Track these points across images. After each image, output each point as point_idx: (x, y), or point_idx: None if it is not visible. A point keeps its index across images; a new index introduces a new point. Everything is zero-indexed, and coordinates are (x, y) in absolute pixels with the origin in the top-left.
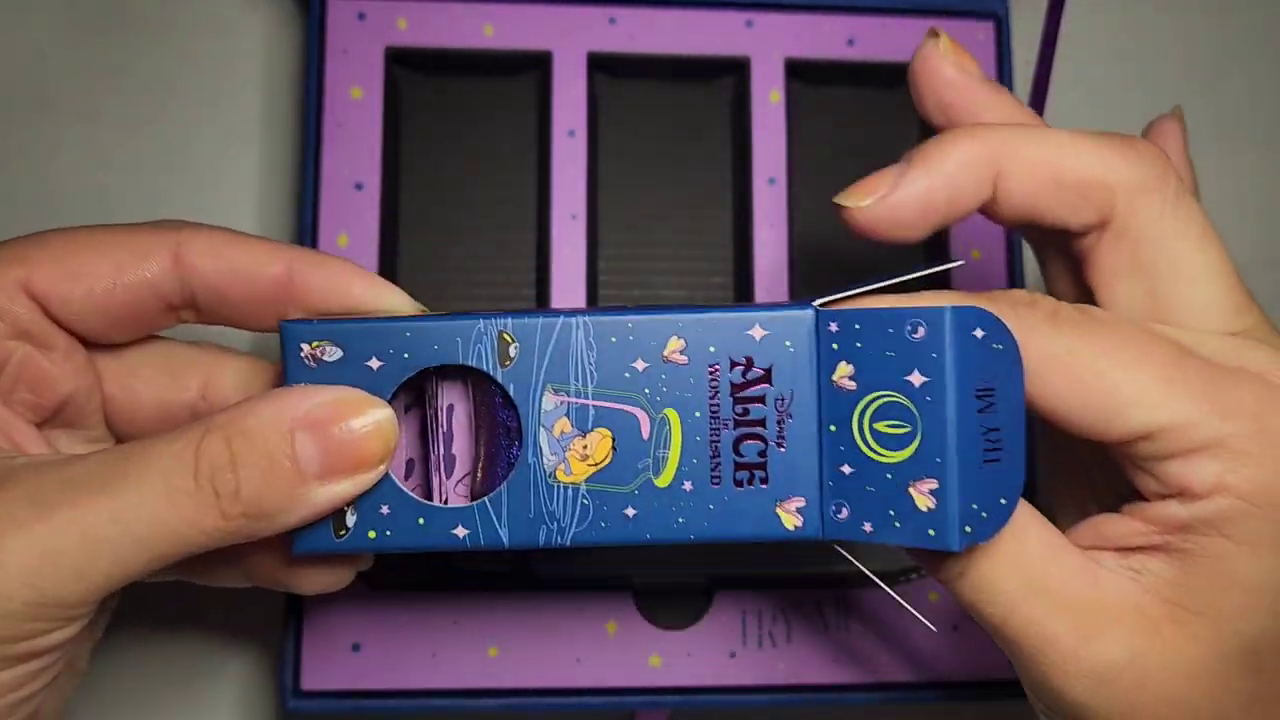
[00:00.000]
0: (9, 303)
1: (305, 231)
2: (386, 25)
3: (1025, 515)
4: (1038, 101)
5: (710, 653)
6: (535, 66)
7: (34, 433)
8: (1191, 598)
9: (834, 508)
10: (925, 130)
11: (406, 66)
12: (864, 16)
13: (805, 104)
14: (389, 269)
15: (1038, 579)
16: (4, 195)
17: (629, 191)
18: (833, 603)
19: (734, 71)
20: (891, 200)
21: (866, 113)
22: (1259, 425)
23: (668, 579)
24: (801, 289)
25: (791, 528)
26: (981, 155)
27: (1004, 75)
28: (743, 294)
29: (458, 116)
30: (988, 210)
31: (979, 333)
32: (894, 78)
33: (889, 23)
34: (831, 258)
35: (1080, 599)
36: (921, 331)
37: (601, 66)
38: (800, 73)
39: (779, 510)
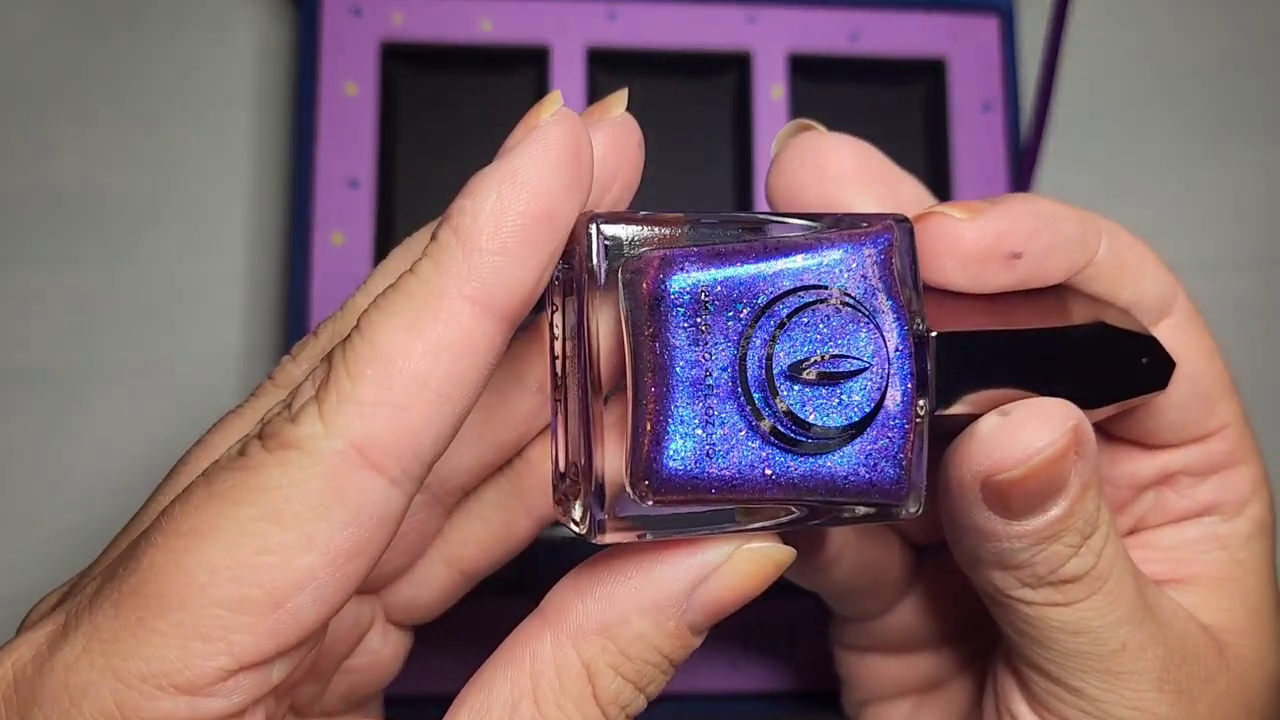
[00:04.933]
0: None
1: (299, 229)
2: (382, 20)
3: None
4: (1044, 97)
5: (712, 660)
6: (533, 62)
7: None
8: None
9: None
10: (932, 129)
11: (402, 62)
12: (867, 11)
13: (808, 100)
14: None
15: None
16: None
17: None
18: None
19: (736, 67)
20: (988, 225)
21: (870, 109)
22: None
23: None
24: None
25: None
26: (1090, 220)
27: (1010, 71)
28: None
29: (454, 113)
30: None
31: None
32: (898, 73)
33: (893, 17)
34: None
35: None
36: None
37: (601, 61)
38: (803, 68)
39: None
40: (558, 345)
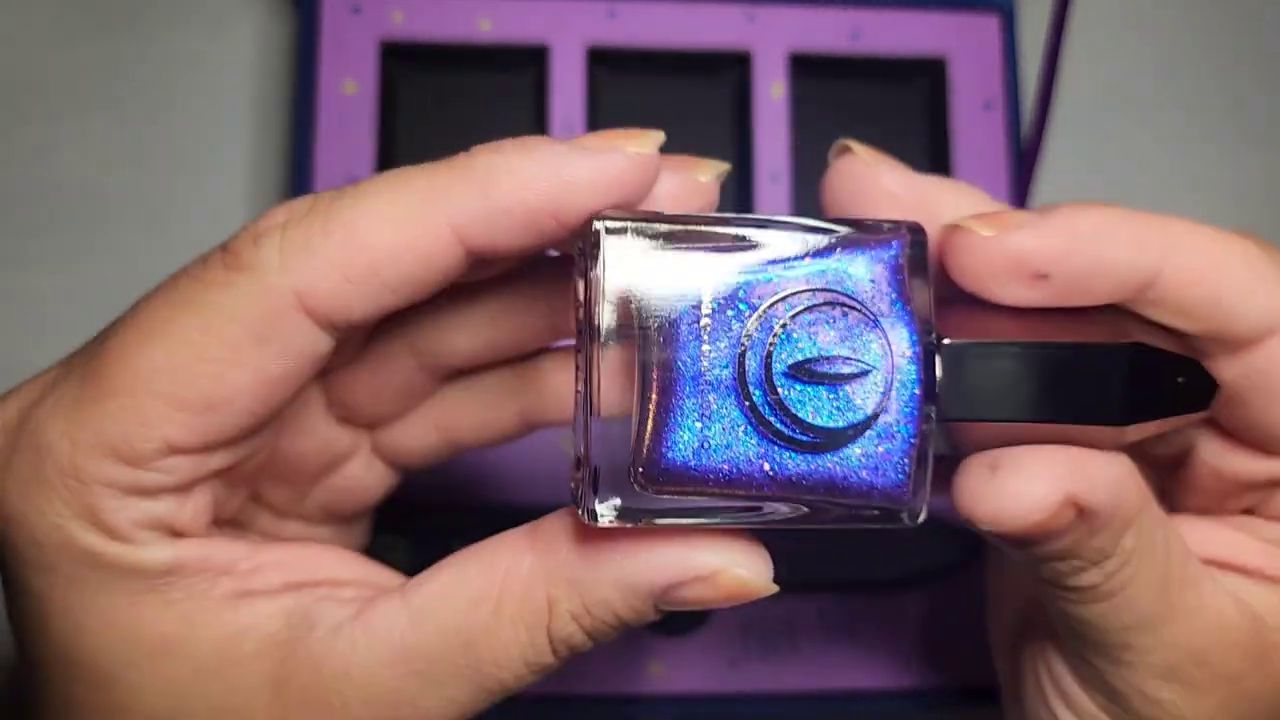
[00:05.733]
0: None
1: None
2: (381, 18)
3: None
4: (1045, 96)
5: (711, 661)
6: (533, 60)
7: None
8: None
9: None
10: (933, 127)
11: (401, 60)
12: (868, 9)
13: (808, 98)
14: None
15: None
16: None
17: None
18: (835, 611)
19: (736, 65)
20: (1011, 243)
21: (871, 107)
22: None
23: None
24: None
25: None
26: (1151, 239)
27: (1011, 70)
28: None
29: (454, 111)
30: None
31: None
32: (899, 72)
33: (894, 16)
34: None
35: None
36: None
37: (600, 60)
38: (803, 67)
39: None
40: (580, 317)
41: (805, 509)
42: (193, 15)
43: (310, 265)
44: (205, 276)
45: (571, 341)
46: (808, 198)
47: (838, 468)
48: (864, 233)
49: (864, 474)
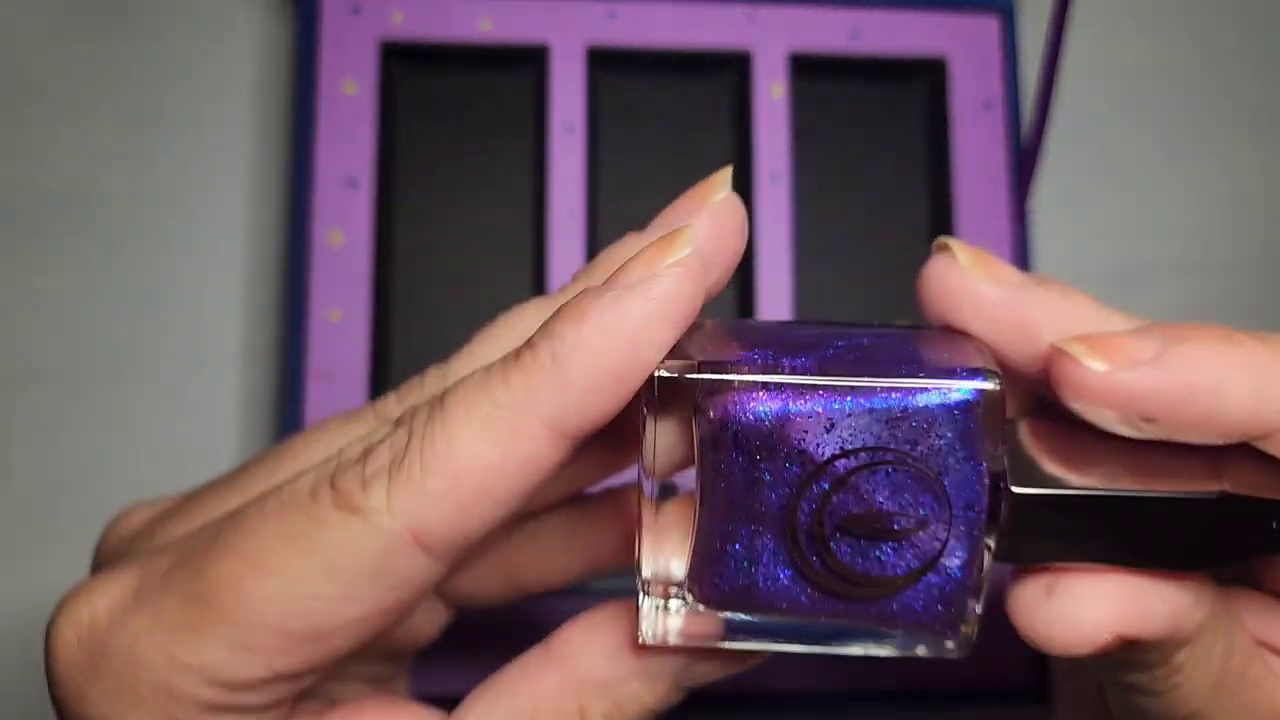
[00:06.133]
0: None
1: (298, 229)
2: (381, 18)
3: None
4: (1045, 96)
5: None
6: (533, 60)
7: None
8: None
9: None
10: (933, 127)
11: (401, 60)
12: (868, 10)
13: (808, 99)
14: (383, 267)
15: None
16: None
17: (628, 188)
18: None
19: (735, 66)
20: (1121, 384)
21: (871, 108)
22: None
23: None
24: (804, 287)
25: None
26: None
27: (1011, 70)
28: (744, 291)
29: (454, 112)
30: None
31: None
32: (898, 72)
33: (894, 16)
34: (835, 257)
35: None
36: None
37: (600, 60)
38: (803, 67)
39: None
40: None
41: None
42: (192, 15)
43: (421, 504)
44: (316, 514)
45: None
46: (808, 198)
47: (887, 609)
48: (938, 376)
49: (917, 608)
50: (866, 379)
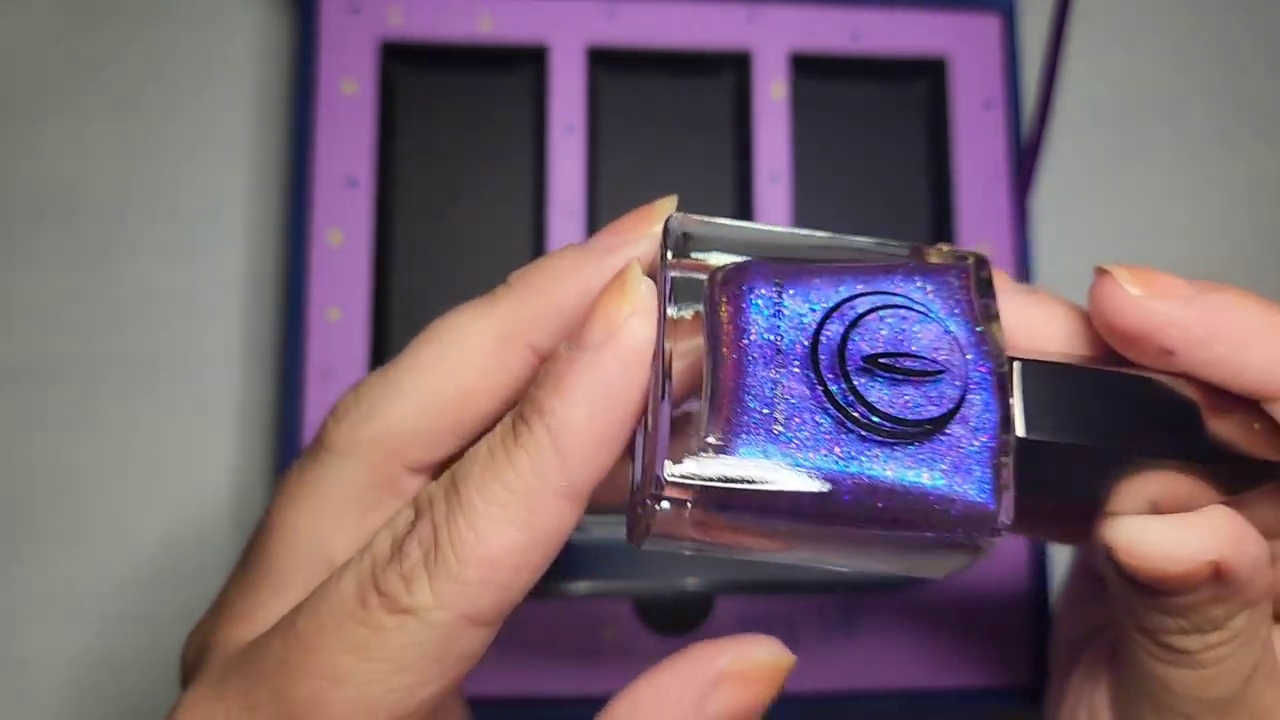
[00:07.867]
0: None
1: (297, 229)
2: (380, 18)
3: None
4: (1045, 96)
5: None
6: (533, 60)
7: None
8: None
9: None
10: (933, 128)
11: (401, 60)
12: (868, 10)
13: (809, 99)
14: (382, 267)
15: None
16: None
17: (628, 188)
18: (836, 609)
19: (736, 65)
20: (1152, 311)
21: (871, 108)
22: None
23: (668, 584)
24: None
25: None
26: None
27: (1011, 70)
28: None
29: (453, 111)
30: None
31: None
32: (899, 72)
33: (894, 16)
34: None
35: None
36: None
37: (600, 60)
38: (804, 67)
39: None
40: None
41: (876, 528)
42: (192, 15)
43: (466, 592)
44: (372, 621)
45: None
46: (808, 198)
47: (914, 470)
48: (927, 260)
49: (943, 480)
50: (872, 243)
